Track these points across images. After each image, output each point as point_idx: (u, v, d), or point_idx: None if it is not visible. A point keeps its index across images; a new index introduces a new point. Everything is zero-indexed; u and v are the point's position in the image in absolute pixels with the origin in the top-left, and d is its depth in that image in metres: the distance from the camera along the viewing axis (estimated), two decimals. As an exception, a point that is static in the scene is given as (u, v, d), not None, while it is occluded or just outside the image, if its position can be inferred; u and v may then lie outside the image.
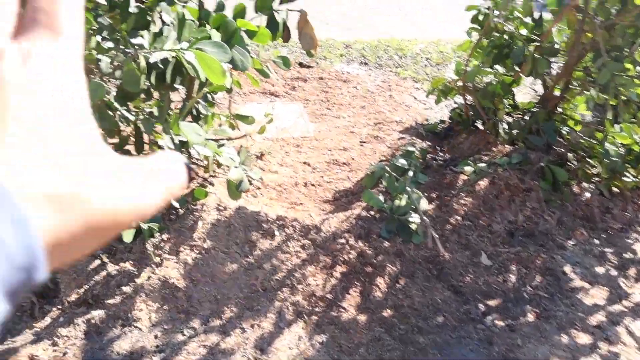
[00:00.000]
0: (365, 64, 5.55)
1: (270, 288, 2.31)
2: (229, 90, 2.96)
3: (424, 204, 2.78)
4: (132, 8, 2.32)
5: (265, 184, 3.09)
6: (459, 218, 2.73)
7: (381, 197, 2.85)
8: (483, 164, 3.03)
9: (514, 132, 3.23)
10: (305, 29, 2.61)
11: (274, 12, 2.52)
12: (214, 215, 2.51)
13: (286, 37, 2.63)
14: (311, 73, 5.11)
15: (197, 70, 2.03)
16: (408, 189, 2.76)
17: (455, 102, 3.82)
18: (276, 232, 2.50)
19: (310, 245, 2.45)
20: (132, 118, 2.25)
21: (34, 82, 0.28)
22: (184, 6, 2.88)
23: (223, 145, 2.72)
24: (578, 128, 3.33)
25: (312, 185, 3.12)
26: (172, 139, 2.24)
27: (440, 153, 3.46)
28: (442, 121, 3.84)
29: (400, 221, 2.60)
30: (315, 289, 2.31)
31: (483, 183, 2.90)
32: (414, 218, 2.61)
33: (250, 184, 3.07)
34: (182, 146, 2.28)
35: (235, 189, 2.54)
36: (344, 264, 2.41)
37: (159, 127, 2.28)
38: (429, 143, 3.54)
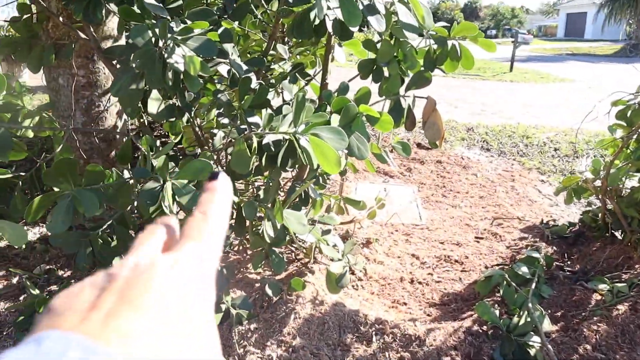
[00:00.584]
0: (488, 149, 5.24)
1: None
2: (343, 173, 2.82)
3: (547, 324, 2.39)
4: (254, 84, 2.26)
5: (368, 276, 2.85)
6: (589, 348, 2.30)
7: (496, 309, 2.50)
8: (622, 284, 2.59)
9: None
10: (433, 117, 2.42)
11: (400, 97, 2.36)
12: (308, 309, 2.30)
13: (410, 125, 2.45)
14: (429, 155, 4.89)
15: (310, 157, 1.89)
16: (530, 304, 2.39)
17: (588, 204, 3.40)
18: (374, 338, 2.23)
19: (410, 359, 2.15)
20: (235, 200, 2.15)
21: (175, 279, 0.33)
22: (307, 83, 2.82)
23: (329, 231, 2.55)
24: None
25: (419, 282, 2.84)
26: (274, 225, 2.09)
27: (568, 262, 3.04)
28: (572, 224, 3.42)
29: (517, 343, 2.23)
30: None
31: (622, 308, 2.46)
32: (535, 341, 2.23)
33: (353, 274, 2.85)
34: (285, 232, 2.13)
35: (335, 283, 2.33)
36: (447, 387, 2.09)
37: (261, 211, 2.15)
38: (555, 248, 3.13)
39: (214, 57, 2.10)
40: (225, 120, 2.30)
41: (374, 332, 2.25)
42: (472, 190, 4.20)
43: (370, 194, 4.05)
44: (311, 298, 2.36)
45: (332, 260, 2.41)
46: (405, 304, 2.66)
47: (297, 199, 2.47)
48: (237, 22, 2.43)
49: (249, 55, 2.84)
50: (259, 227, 2.29)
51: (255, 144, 2.05)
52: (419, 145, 5.12)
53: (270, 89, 2.42)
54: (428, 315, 2.57)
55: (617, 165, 3.01)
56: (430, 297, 2.71)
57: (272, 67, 2.76)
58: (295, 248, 2.70)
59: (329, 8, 1.97)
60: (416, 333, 2.22)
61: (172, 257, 0.35)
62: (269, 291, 2.30)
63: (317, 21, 2.18)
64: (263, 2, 2.52)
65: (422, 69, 2.37)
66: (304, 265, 2.63)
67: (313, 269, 2.62)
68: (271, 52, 2.61)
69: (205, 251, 0.37)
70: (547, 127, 6.31)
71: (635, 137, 2.79)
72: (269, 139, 2.04)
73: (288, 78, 2.66)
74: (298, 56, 2.97)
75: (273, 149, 2.10)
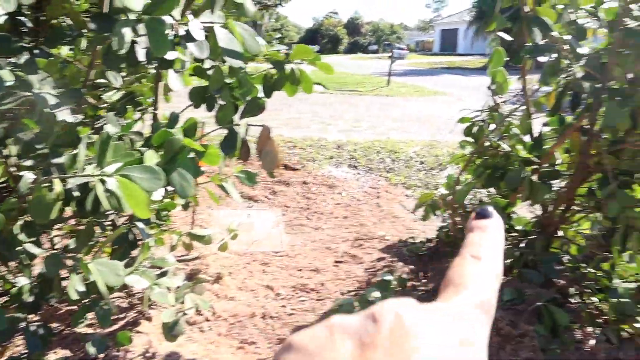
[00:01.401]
0: (355, 167, 5.26)
1: None
2: (185, 206, 2.62)
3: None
4: (62, 117, 2.00)
5: (217, 315, 2.66)
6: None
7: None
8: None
9: (507, 262, 2.81)
10: (268, 146, 2.29)
11: (233, 126, 2.21)
12: (137, 365, 2.08)
13: (245, 155, 2.31)
14: (295, 176, 4.81)
15: (119, 201, 1.68)
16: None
17: (444, 220, 3.45)
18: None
19: (248, 409, 1.99)
20: (37, 252, 1.89)
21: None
22: (142, 114, 2.60)
23: (166, 273, 2.34)
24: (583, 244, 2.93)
25: (271, 317, 2.69)
26: (85, 281, 1.85)
27: (424, 280, 3.04)
28: (429, 240, 3.45)
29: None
30: None
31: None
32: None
33: (200, 314, 2.65)
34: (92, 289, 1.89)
35: (168, 332, 2.12)
36: None
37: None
38: (412, 267, 3.13)
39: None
40: (30, 162, 2.03)
41: (213, 383, 2.07)
42: (336, 210, 4.16)
43: (232, 220, 3.88)
44: (142, 351, 2.13)
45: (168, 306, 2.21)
46: (253, 343, 2.50)
47: (127, 244, 2.24)
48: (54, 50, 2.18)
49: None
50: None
51: (58, 189, 1.81)
52: (285, 167, 5.03)
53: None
54: (277, 353, 2.44)
55: (465, 182, 3.07)
56: (281, 333, 2.58)
57: (102, 97, 2.52)
58: (129, 295, 2.46)
59: (136, 36, 1.78)
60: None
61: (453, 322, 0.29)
62: (91, 349, 2.04)
63: (123, 50, 1.99)
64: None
65: (259, 95, 2.25)
66: (141, 314, 2.40)
67: (151, 316, 2.40)
68: (102, 80, 2.38)
69: (484, 307, 0.32)
70: (416, 140, 6.49)
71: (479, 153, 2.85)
72: (72, 182, 1.81)
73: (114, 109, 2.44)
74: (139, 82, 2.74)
75: (80, 194, 1.87)
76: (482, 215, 0.39)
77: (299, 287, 2.97)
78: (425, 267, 3.13)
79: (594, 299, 2.74)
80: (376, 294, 2.60)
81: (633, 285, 2.68)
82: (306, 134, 6.73)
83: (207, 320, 2.63)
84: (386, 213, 4.15)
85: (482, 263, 0.35)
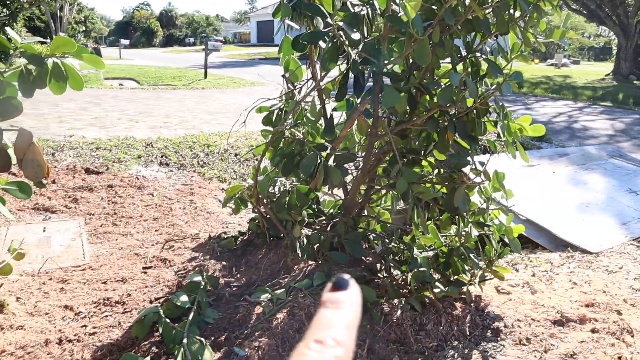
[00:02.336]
0: (167, 164, 5.01)
1: None
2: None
3: (209, 356, 2.23)
4: None
5: (1, 350, 2.31)
6: (251, 367, 2.20)
7: (154, 352, 2.25)
8: (282, 290, 2.59)
9: (316, 246, 2.85)
10: (30, 153, 2.01)
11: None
12: None
13: (3, 166, 2.01)
14: (99, 180, 4.43)
15: None
16: (186, 338, 2.19)
17: (254, 211, 3.40)
18: None
19: None
20: None
21: None
22: None
23: None
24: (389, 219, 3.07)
25: (69, 341, 2.41)
26: None
27: (238, 275, 2.96)
28: (242, 233, 3.38)
29: (171, 390, 2.00)
30: None
31: (281, 315, 2.44)
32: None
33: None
34: None
35: None
36: None
37: None
38: (225, 263, 3.03)
39: None
40: None
41: None
42: (146, 212, 3.91)
43: (27, 238, 3.44)
44: None
45: None
46: (47, 375, 2.22)
47: None
48: None
49: None
50: None
51: None
52: (87, 171, 4.61)
53: None
54: (75, 383, 2.18)
55: (268, 173, 3.03)
56: (81, 357, 2.32)
57: None
58: None
59: None
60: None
61: None
62: None
63: None
64: None
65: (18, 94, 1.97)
66: None
67: None
68: None
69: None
70: (231, 133, 6.39)
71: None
72: None
73: None
74: None
75: None
76: (338, 286, 0.36)
77: (102, 302, 2.71)
78: (239, 262, 3.05)
79: (398, 272, 2.89)
80: (183, 298, 2.46)
81: (430, 254, 2.88)
82: (112, 134, 6.27)
83: (-11, 358, 2.27)
84: (200, 209, 4.00)
85: (326, 350, 0.33)
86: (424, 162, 2.89)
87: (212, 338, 2.37)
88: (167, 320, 2.32)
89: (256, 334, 2.35)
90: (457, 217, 2.79)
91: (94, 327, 2.51)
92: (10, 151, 2.04)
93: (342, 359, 0.34)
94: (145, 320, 2.34)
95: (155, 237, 3.50)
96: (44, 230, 3.63)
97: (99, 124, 7.01)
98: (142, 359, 2.05)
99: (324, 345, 0.34)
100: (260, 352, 2.26)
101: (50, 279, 2.96)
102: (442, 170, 2.80)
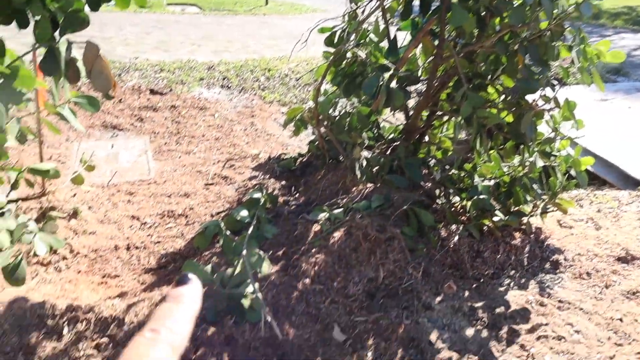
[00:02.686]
0: (228, 87, 5.03)
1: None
2: (22, 140, 2.31)
3: (266, 267, 2.29)
4: None
5: (75, 252, 2.46)
6: (307, 282, 2.26)
7: (216, 262, 2.33)
8: (339, 210, 2.60)
9: (375, 169, 2.83)
10: (98, 65, 2.04)
11: (53, 44, 1.93)
12: (-26, 316, 1.87)
13: (73, 77, 2.05)
14: (163, 101, 4.51)
15: None
16: (245, 250, 2.26)
17: (314, 133, 3.39)
18: (65, 330, 1.89)
19: (108, 344, 1.87)
20: None
21: None
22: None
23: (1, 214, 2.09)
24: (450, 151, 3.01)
25: (136, 247, 2.54)
26: None
27: (296, 195, 3.00)
28: (302, 155, 3.40)
29: (231, 297, 2.09)
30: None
31: (338, 234, 2.47)
32: (249, 290, 2.11)
33: (55, 253, 2.43)
34: None
35: (9, 276, 1.91)
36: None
37: None
38: (284, 183, 3.07)
39: None
40: None
41: (65, 323, 1.91)
42: (208, 132, 3.98)
43: (96, 153, 3.58)
44: (-20, 300, 1.92)
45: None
46: (117, 276, 2.36)
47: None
48: None
49: None
50: None
51: None
52: (152, 92, 4.70)
53: None
54: (142, 284, 2.31)
55: (329, 93, 3.00)
56: (147, 262, 2.45)
57: None
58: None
59: None
60: (113, 314, 1.94)
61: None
62: None
63: None
64: None
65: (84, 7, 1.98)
66: None
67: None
68: None
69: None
70: (292, 58, 6.32)
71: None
72: None
73: None
74: None
75: None
76: (180, 282, 0.39)
77: (166, 214, 2.82)
78: (297, 182, 3.09)
79: (457, 198, 2.85)
80: (243, 212, 2.52)
81: (491, 182, 2.81)
82: (175, 57, 6.33)
83: (64, 258, 2.43)
84: (260, 131, 4.03)
85: (161, 339, 0.36)
86: (490, 89, 2.78)
87: (271, 252, 2.44)
88: (228, 233, 2.40)
89: (313, 250, 2.40)
90: (521, 146, 2.69)
91: (159, 237, 2.63)
92: (80, 64, 2.08)
93: (176, 347, 0.36)
94: (206, 232, 2.42)
95: (216, 156, 3.57)
96: (112, 147, 3.76)
97: (163, 47, 7.08)
98: (203, 266, 2.14)
99: (158, 334, 0.36)
100: (316, 268, 2.31)
101: (118, 191, 3.09)
102: (508, 96, 2.68)
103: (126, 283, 2.30)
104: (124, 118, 4.14)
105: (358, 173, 2.72)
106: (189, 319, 0.39)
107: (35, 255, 2.30)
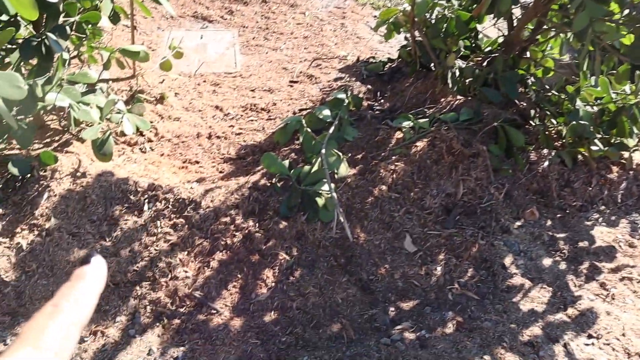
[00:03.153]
0: (321, -16, 4.81)
1: (126, 281, 1.80)
2: (115, 20, 2.31)
3: (344, 169, 2.26)
4: None
5: (160, 135, 2.52)
6: (384, 188, 2.21)
7: (294, 159, 2.32)
8: (425, 120, 2.49)
9: (468, 80, 2.66)
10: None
11: None
12: (66, 185, 1.96)
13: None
14: (254, -6, 4.40)
15: (3, 3, 1.47)
16: (324, 149, 2.22)
17: (406, 38, 3.21)
18: (145, 206, 1.96)
19: (184, 224, 1.93)
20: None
21: None
22: None
23: (93, 91, 2.14)
24: (550, 74, 2.77)
25: (218, 137, 2.56)
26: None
27: (381, 100, 2.89)
28: (391, 60, 3.24)
29: (306, 194, 2.07)
30: (184, 283, 1.81)
31: (421, 144, 2.37)
32: (325, 189, 2.09)
33: (141, 134, 2.50)
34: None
35: (97, 150, 1.98)
36: (225, 250, 1.90)
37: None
38: (370, 87, 2.96)
39: None
40: None
41: (146, 200, 1.98)
42: (297, 30, 3.87)
43: (186, 42, 3.59)
44: (70, 171, 2.00)
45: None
46: (197, 162, 2.40)
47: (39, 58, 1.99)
48: None
49: None
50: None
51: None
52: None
53: None
54: (220, 172, 2.34)
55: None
56: (227, 152, 2.47)
57: None
58: (61, 117, 2.27)
59: None
60: (191, 196, 1.98)
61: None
62: (13, 170, 1.90)
63: None
64: None
65: None
66: (73, 134, 2.24)
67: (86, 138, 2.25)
68: None
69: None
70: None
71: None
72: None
73: None
74: None
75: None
76: (84, 261, 0.40)
77: (249, 107, 2.81)
78: (384, 87, 2.96)
79: (553, 122, 2.64)
80: (326, 112, 2.46)
81: (594, 109, 2.58)
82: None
83: (149, 140, 2.49)
84: (350, 33, 3.88)
85: (63, 314, 0.36)
86: (612, 4, 2.47)
87: (350, 154, 2.39)
88: (309, 130, 2.36)
89: (393, 157, 2.33)
90: (637, 72, 2.41)
91: (240, 128, 2.63)
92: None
93: (77, 320, 0.37)
94: (287, 127, 2.39)
95: (303, 55, 3.48)
96: (201, 38, 3.75)
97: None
98: (281, 161, 2.12)
99: (58, 307, 0.37)
100: (394, 176, 2.24)
101: (204, 81, 3.10)
102: (633, 12, 2.38)
103: (205, 170, 2.34)
104: (214, 10, 4.09)
105: (450, 83, 2.56)
106: (92, 295, 0.40)
107: (122, 134, 2.37)
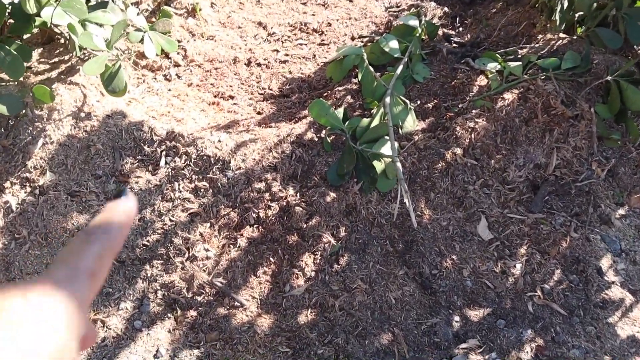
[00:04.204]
0: None
1: (134, 259, 1.47)
2: None
3: (411, 123, 1.81)
4: None
5: (189, 59, 2.07)
6: (459, 152, 1.76)
7: (350, 103, 1.88)
8: (516, 64, 1.97)
9: (578, 15, 2.09)
10: None
11: None
12: (66, 129, 1.58)
13: None
14: None
15: None
16: (389, 97, 1.76)
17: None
18: (162, 161, 1.58)
19: (207, 189, 1.55)
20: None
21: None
22: None
23: (104, 4, 1.69)
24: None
25: (258, 64, 2.10)
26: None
27: (460, 29, 2.35)
28: (477, -26, 2.63)
29: (362, 156, 1.65)
30: (204, 264, 1.47)
31: (510, 96, 1.88)
32: (387, 152, 1.66)
33: (167, 57, 2.06)
34: None
35: (107, 84, 1.58)
36: (257, 225, 1.53)
37: None
38: (447, 10, 2.40)
39: None
40: None
41: (163, 153, 1.59)
42: None
43: None
44: (73, 111, 1.61)
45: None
46: (231, 97, 1.97)
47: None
48: None
49: None
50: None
51: None
52: None
53: None
54: (258, 112, 1.91)
55: None
56: (268, 86, 2.02)
57: None
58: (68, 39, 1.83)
59: None
60: (218, 153, 1.58)
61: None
62: (1, 108, 1.52)
63: None
64: None
65: None
66: (79, 59, 1.81)
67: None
68: None
69: (65, 301, 0.32)
70: None
71: None
72: None
73: None
74: None
75: None
76: (117, 195, 0.40)
77: (299, 26, 2.31)
78: (465, 11, 2.40)
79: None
80: (393, 43, 1.96)
81: None
82: None
83: (176, 65, 2.06)
84: None
85: (97, 240, 0.37)
86: None
87: (419, 102, 1.92)
88: (370, 67, 1.88)
89: (473, 111, 1.85)
90: None
91: (286, 55, 2.16)
92: None
93: (110, 250, 0.37)
94: (344, 62, 1.92)
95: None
96: None
97: None
98: (333, 111, 1.68)
99: (91, 236, 0.37)
100: (472, 136, 1.79)
101: (249, -14, 2.58)
102: None
103: (240, 108, 1.92)
104: None
105: (557, 17, 2.00)
106: (124, 228, 0.40)
107: (144, 57, 1.95)
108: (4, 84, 1.63)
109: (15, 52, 1.46)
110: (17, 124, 1.58)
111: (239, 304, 1.43)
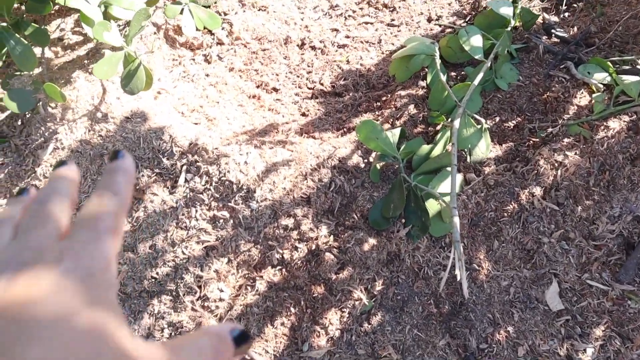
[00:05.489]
0: None
1: (141, 291, 1.29)
2: None
3: (484, 148, 1.48)
4: None
5: (235, 36, 1.79)
6: (538, 192, 1.43)
7: (414, 113, 1.57)
8: (634, 78, 1.55)
9: None
10: None
11: None
12: (79, 132, 1.37)
13: None
14: None
15: None
16: (457, 121, 1.43)
17: None
18: (180, 179, 1.35)
19: (226, 221, 1.32)
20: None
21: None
22: None
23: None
24: None
25: (313, 47, 1.79)
26: None
27: (564, 15, 1.91)
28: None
29: (414, 194, 1.35)
30: (216, 307, 1.27)
31: (617, 124, 1.49)
32: (444, 188, 1.36)
33: (210, 33, 1.79)
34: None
35: (123, 85, 1.35)
36: (280, 267, 1.30)
37: None
38: (553, -9, 1.95)
39: None
40: None
41: (183, 169, 1.36)
42: None
43: None
44: (89, 110, 1.40)
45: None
46: (275, 90, 1.69)
47: None
48: None
49: None
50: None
51: None
52: None
53: None
54: (302, 114, 1.63)
55: None
56: (319, 79, 1.71)
57: None
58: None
59: None
60: (243, 180, 1.33)
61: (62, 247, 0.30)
62: (10, 104, 1.32)
63: None
64: None
65: None
66: (99, 46, 1.57)
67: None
68: None
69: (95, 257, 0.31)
70: None
71: None
72: None
73: None
74: None
75: None
76: (115, 156, 0.39)
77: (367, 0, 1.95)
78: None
79: None
80: (476, 39, 1.60)
81: None
82: None
83: (219, 44, 1.78)
84: None
85: (110, 200, 0.35)
86: None
87: (497, 119, 1.58)
88: (442, 74, 1.54)
89: (565, 140, 1.50)
90: None
91: (347, 36, 1.83)
92: None
93: (122, 207, 0.35)
94: (412, 61, 1.57)
95: None
96: None
97: None
98: (385, 133, 1.38)
99: (103, 197, 0.35)
100: (559, 173, 1.44)
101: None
102: None
103: (283, 106, 1.64)
104: None
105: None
106: (129, 186, 0.37)
107: (182, 32, 1.68)
108: (18, 73, 1.43)
109: (26, 42, 1.25)
110: (30, 120, 1.39)
111: (249, 358, 1.23)
